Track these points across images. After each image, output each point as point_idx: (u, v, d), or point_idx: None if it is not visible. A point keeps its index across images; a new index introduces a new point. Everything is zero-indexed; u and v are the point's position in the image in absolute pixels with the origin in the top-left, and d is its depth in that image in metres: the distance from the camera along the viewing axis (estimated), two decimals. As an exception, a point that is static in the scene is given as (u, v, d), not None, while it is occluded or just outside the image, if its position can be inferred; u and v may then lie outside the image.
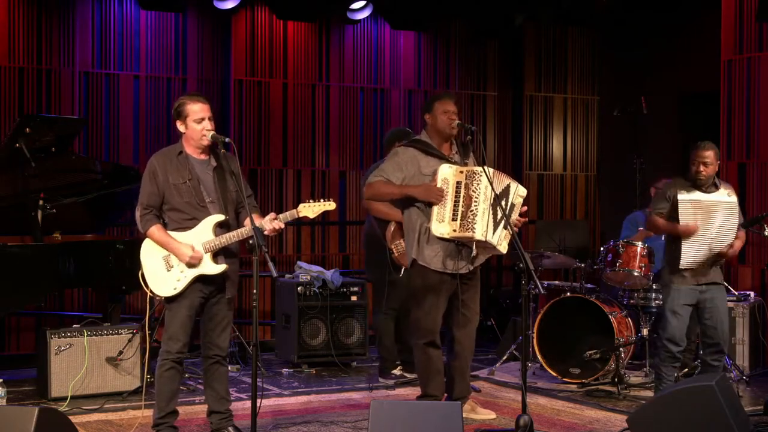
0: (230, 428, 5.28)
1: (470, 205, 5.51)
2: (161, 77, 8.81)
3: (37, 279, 6.36)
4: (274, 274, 4.78)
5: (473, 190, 5.52)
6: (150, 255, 5.13)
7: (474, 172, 5.55)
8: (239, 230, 5.11)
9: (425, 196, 5.58)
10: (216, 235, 5.09)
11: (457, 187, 5.56)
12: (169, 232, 5.11)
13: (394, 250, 6.73)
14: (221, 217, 5.12)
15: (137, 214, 5.13)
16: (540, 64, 10.47)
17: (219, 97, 9.10)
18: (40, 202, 6.54)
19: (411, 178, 5.71)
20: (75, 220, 6.99)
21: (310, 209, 5.15)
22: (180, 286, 5.07)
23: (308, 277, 7.80)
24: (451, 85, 10.10)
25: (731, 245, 5.98)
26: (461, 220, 5.52)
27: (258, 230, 4.88)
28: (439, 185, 5.57)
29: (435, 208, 5.59)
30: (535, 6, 10.00)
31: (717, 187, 6.06)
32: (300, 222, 9.31)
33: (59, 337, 6.47)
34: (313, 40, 9.44)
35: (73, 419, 4.91)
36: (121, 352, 6.58)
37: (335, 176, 9.49)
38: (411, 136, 6.73)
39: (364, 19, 9.50)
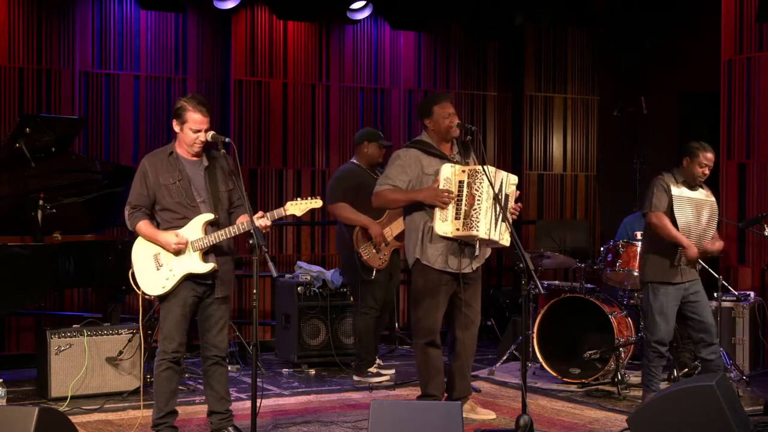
0: (230, 428, 5.28)
1: (473, 204, 5.51)
2: (161, 77, 8.81)
3: (37, 279, 6.36)
4: (274, 274, 4.78)
5: (476, 189, 5.53)
6: (140, 254, 5.15)
7: (476, 171, 5.56)
8: (228, 228, 5.11)
9: (432, 200, 5.58)
10: (206, 234, 5.10)
11: (459, 186, 5.57)
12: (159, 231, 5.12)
13: (362, 253, 7.03)
14: (210, 216, 5.13)
15: (125, 212, 5.17)
16: (540, 64, 10.46)
17: (219, 97, 9.10)
18: (40, 202, 6.54)
19: (415, 178, 5.73)
20: (75, 220, 6.99)
21: (297, 207, 5.15)
22: (169, 285, 5.07)
23: (308, 277, 7.80)
24: (451, 85, 10.10)
25: (713, 242, 6.15)
26: (464, 219, 5.53)
27: (258, 230, 4.88)
28: (441, 185, 5.57)
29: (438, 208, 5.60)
30: (535, 6, 10.00)
31: (700, 186, 6.16)
32: (300, 222, 9.34)
33: (59, 337, 6.47)
34: (313, 40, 9.44)
35: (73, 419, 4.91)
36: (121, 352, 6.58)
37: (335, 176, 9.49)
38: (380, 137, 7.26)
39: (364, 19, 9.51)
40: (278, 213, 5.11)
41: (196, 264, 5.09)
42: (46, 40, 8.33)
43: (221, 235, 5.10)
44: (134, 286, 5.14)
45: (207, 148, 5.23)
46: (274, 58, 9.24)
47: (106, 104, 8.60)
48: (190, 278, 5.10)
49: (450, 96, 6.00)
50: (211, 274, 5.14)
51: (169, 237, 5.05)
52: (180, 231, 5.10)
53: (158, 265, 5.11)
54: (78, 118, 7.82)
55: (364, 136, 7.34)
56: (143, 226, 5.12)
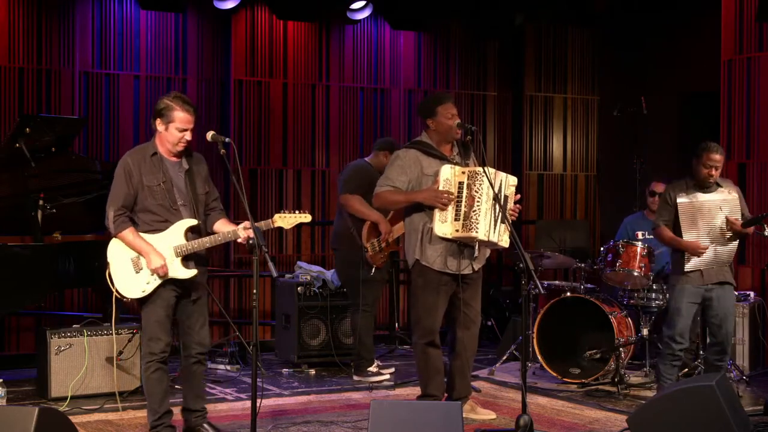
0: (205, 425, 5.28)
1: (473, 205, 5.51)
2: (161, 77, 8.81)
3: (37, 279, 6.35)
4: (274, 274, 4.77)
5: (476, 191, 5.53)
6: (118, 255, 5.12)
7: (476, 173, 5.56)
8: (212, 237, 5.14)
9: (432, 201, 5.58)
10: (187, 239, 5.10)
11: (459, 188, 5.57)
12: (141, 234, 5.10)
13: (369, 248, 7.02)
14: (193, 222, 5.13)
15: (110, 214, 5.07)
16: (540, 64, 10.47)
17: (219, 97, 9.10)
18: (40, 202, 6.54)
19: (415, 179, 5.73)
20: (75, 220, 6.99)
21: (285, 220, 5.15)
22: (149, 289, 5.07)
23: (308, 277, 7.80)
24: (451, 85, 10.10)
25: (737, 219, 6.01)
26: (464, 220, 5.53)
27: (258, 230, 4.88)
28: (441, 186, 5.57)
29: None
30: (535, 6, 10.01)
31: (719, 186, 6.09)
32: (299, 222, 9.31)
33: (59, 337, 6.47)
34: (313, 40, 9.44)
35: (73, 419, 4.91)
36: (121, 352, 6.58)
37: (335, 176, 9.47)
38: (396, 146, 7.13)
39: (364, 19, 9.51)
40: (266, 224, 5.10)
41: (177, 270, 5.09)
42: (46, 40, 8.33)
43: (205, 243, 5.11)
44: (111, 287, 5.11)
45: (186, 150, 5.20)
46: (274, 58, 9.24)
47: (106, 104, 8.60)
48: (169, 280, 5.10)
49: (452, 97, 6.00)
50: (190, 279, 5.15)
51: (156, 260, 5.00)
52: (162, 235, 5.09)
53: (137, 268, 5.08)
54: (78, 118, 7.82)
55: (387, 146, 7.27)
56: (130, 234, 5.05)
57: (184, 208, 5.14)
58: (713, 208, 6.01)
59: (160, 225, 5.09)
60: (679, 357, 6.16)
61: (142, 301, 5.13)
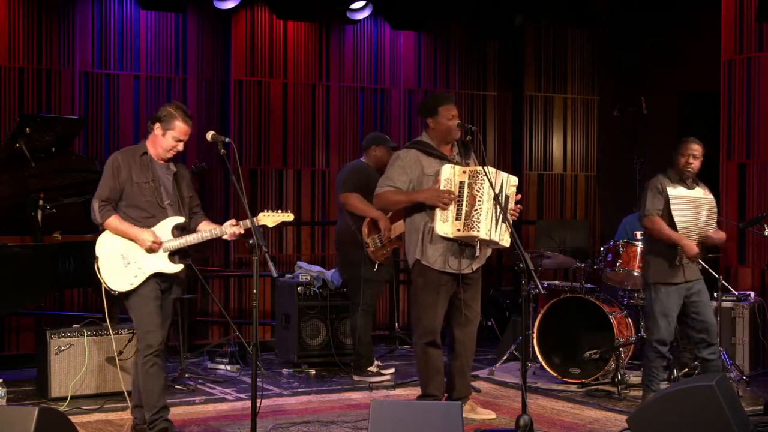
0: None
1: (474, 205, 5.52)
2: (161, 77, 8.82)
3: (37, 279, 6.36)
4: (274, 274, 4.79)
5: (477, 190, 5.53)
6: (107, 249, 5.18)
7: (477, 172, 5.57)
8: (199, 233, 5.22)
9: (434, 201, 5.58)
10: (174, 236, 5.17)
11: (460, 187, 5.57)
12: None
13: (370, 244, 7.09)
14: (181, 219, 5.23)
15: (94, 206, 5.18)
16: (540, 64, 10.47)
17: (219, 97, 9.10)
18: (40, 202, 6.54)
19: (415, 179, 5.74)
20: (75, 220, 6.98)
21: (269, 218, 5.24)
22: (137, 282, 5.12)
23: (308, 277, 7.80)
24: (451, 85, 10.10)
25: (717, 231, 6.11)
26: (465, 219, 5.54)
27: (258, 230, 4.90)
28: (442, 186, 5.57)
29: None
30: (535, 6, 10.01)
31: (697, 185, 6.14)
32: (300, 222, 9.35)
33: (59, 337, 6.47)
34: (313, 40, 9.44)
35: (73, 419, 4.91)
36: (121, 352, 6.58)
37: (335, 176, 9.46)
38: (388, 141, 7.35)
39: (364, 19, 9.51)
40: (251, 222, 5.15)
41: (165, 264, 5.16)
42: (46, 40, 8.34)
43: (191, 239, 5.20)
44: (101, 280, 5.15)
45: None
46: (274, 58, 9.24)
47: (106, 104, 8.60)
48: (155, 275, 5.16)
49: (454, 98, 6.02)
50: (175, 274, 5.20)
51: (146, 235, 5.10)
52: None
53: (126, 261, 5.15)
54: (78, 118, 7.82)
55: (372, 141, 7.41)
56: (116, 220, 5.15)
57: (171, 207, 5.24)
58: (698, 204, 6.08)
59: (147, 221, 5.17)
60: (667, 357, 6.19)
61: (130, 297, 5.16)
